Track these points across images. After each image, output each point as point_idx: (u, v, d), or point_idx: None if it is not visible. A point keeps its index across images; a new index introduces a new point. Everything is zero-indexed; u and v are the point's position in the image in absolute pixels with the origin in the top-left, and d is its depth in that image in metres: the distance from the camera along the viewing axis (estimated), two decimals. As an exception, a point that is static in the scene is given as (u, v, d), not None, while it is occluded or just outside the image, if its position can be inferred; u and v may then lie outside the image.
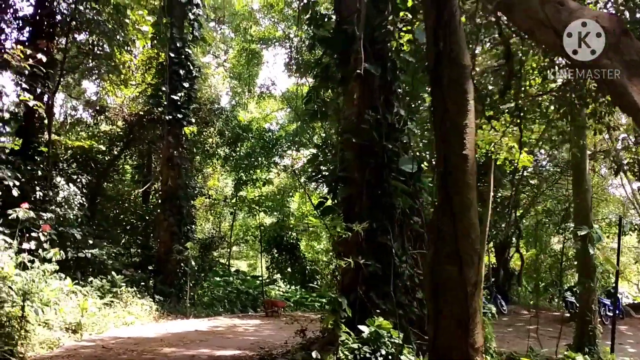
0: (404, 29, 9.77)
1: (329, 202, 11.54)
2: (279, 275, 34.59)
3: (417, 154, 11.21)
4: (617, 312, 18.08)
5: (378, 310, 9.65)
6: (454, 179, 5.33)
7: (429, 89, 7.84)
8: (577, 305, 18.57)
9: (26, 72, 16.88)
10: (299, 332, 11.16)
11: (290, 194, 33.77)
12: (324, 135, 20.73)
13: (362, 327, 8.57)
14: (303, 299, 29.22)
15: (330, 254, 43.67)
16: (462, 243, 5.26)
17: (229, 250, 33.14)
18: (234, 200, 26.85)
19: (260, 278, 35.58)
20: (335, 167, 11.01)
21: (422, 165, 11.32)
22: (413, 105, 11.25)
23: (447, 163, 5.37)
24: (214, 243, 24.61)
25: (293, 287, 33.17)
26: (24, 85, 15.39)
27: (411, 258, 10.58)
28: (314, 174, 11.71)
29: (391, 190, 10.26)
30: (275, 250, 34.12)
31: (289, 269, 37.49)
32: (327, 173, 11.38)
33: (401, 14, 9.74)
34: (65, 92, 24.75)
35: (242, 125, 26.50)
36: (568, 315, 18.72)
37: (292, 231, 36.23)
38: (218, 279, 26.44)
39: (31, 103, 14.02)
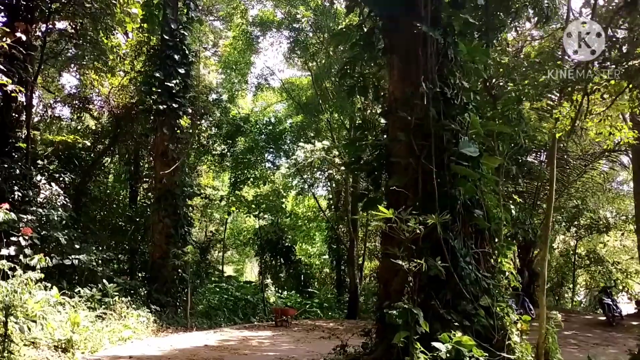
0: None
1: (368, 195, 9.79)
2: (269, 280, 32.76)
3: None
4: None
5: (438, 322, 7.97)
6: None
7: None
8: (618, 308, 17.14)
9: (2, 54, 15.17)
10: (339, 348, 9.45)
11: (285, 194, 31.97)
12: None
13: (437, 344, 6.85)
14: (304, 304, 27.53)
15: (324, 257, 42.31)
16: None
17: (222, 254, 31.14)
18: (231, 200, 24.94)
19: (252, 283, 33.89)
20: (380, 152, 9.27)
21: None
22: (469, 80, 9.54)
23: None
24: (211, 247, 22.68)
25: (287, 292, 31.44)
26: (0, 67, 13.49)
27: (473, 258, 8.89)
28: (353, 160, 9.90)
29: (451, 177, 8.56)
30: (270, 254, 32.27)
31: (283, 274, 35.77)
32: (367, 159, 9.63)
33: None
34: (44, 86, 22.67)
35: (242, 117, 24.61)
36: (605, 318, 17.22)
37: (288, 234, 34.48)
38: (211, 285, 24.59)
39: (9, 87, 12.21)
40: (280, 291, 31.28)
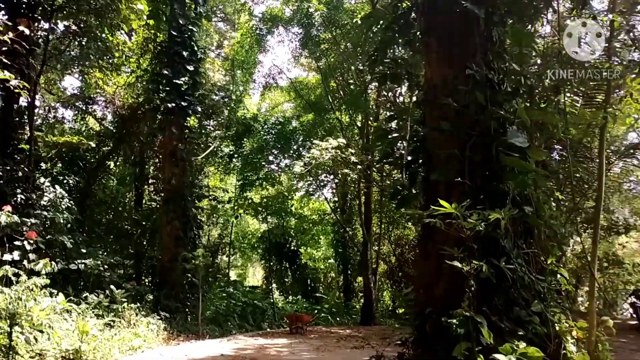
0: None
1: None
2: (274, 285, 31.95)
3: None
4: None
5: (490, 331, 7.18)
6: None
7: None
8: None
9: (5, 48, 14.46)
10: (375, 357, 8.67)
11: (290, 196, 31.20)
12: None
13: (499, 357, 6.05)
14: (313, 310, 26.71)
15: (330, 261, 41.48)
16: None
17: (227, 258, 30.30)
18: (238, 203, 24.12)
19: (258, 288, 33.04)
20: (418, 144, 8.48)
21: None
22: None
23: None
24: (219, 250, 21.88)
25: (293, 297, 30.65)
26: (3, 61, 12.76)
27: (523, 259, 8.10)
28: (387, 152, 9.10)
29: (500, 171, 7.79)
30: (275, 258, 31.46)
31: (289, 278, 34.96)
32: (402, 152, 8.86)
33: None
34: (47, 89, 21.89)
35: (251, 117, 23.82)
36: (637, 322, 16.45)
37: (294, 237, 33.69)
38: (218, 291, 23.72)
39: (13, 82, 11.60)
40: (286, 296, 30.46)
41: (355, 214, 35.03)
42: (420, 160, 8.67)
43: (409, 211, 9.59)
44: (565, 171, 17.64)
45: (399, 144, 9.18)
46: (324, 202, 39.53)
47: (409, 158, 8.65)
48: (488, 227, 6.55)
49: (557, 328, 7.85)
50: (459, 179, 7.87)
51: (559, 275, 8.47)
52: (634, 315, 17.59)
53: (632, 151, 19.01)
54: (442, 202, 6.36)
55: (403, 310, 30.94)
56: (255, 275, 49.97)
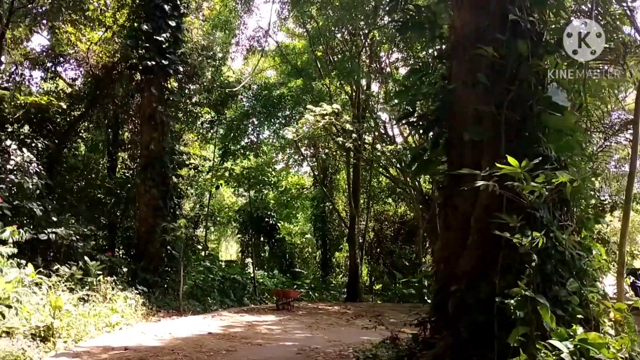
0: None
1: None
2: (250, 260, 30.93)
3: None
4: None
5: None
6: None
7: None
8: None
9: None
10: (390, 340, 7.78)
11: (272, 169, 30.10)
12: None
13: (556, 343, 5.18)
14: (293, 285, 25.87)
15: (307, 236, 40.63)
16: None
17: (205, 231, 29.12)
18: (219, 173, 22.91)
19: (234, 262, 32.00)
20: (444, 101, 7.49)
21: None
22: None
23: None
24: (199, 222, 20.73)
25: (269, 272, 29.70)
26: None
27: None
28: (407, 110, 8.07)
29: (541, 131, 6.90)
30: (253, 232, 30.38)
31: (266, 253, 34.02)
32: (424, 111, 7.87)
33: None
34: (12, 47, 20.18)
35: (235, 81, 22.46)
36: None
37: (273, 211, 32.67)
38: (194, 264, 22.62)
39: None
40: (264, 271, 29.50)
41: (336, 189, 34.18)
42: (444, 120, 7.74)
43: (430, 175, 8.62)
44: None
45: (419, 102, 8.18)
46: (302, 176, 38.60)
47: (434, 116, 7.67)
48: (552, 193, 5.64)
49: (596, 309, 7.10)
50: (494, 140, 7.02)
51: (594, 251, 7.67)
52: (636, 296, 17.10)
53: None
54: (510, 159, 5.37)
55: (380, 286, 30.57)
56: (228, 250, 48.91)
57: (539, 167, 6.71)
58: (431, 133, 7.79)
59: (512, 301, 5.17)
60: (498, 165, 5.44)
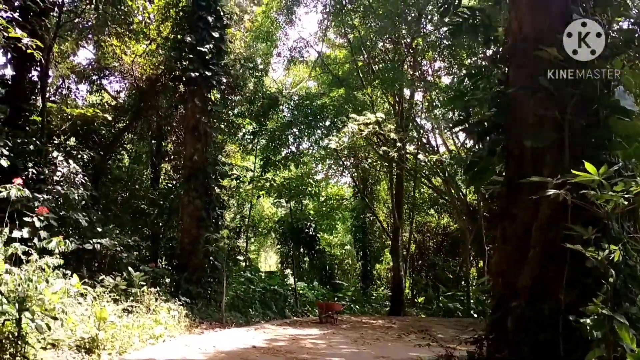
0: None
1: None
2: (289, 271, 30.74)
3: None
4: None
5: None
6: None
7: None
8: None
9: (17, 3, 13.26)
10: (445, 358, 7.41)
11: (312, 179, 29.89)
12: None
13: (635, 367, 4.76)
14: (334, 298, 25.53)
15: (347, 247, 40.26)
16: None
17: (246, 242, 29.08)
18: (260, 183, 22.85)
19: (275, 274, 31.81)
20: (502, 106, 7.12)
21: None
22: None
23: None
24: (241, 233, 20.66)
25: (310, 284, 29.42)
26: (12, 15, 11.51)
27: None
28: (462, 117, 7.74)
29: (607, 137, 6.47)
30: (293, 243, 30.22)
31: (306, 264, 33.80)
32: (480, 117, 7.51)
33: None
34: (59, 60, 20.61)
35: (276, 91, 22.41)
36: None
37: (312, 222, 32.44)
38: (235, 275, 22.52)
39: (25, 40, 10.43)
40: (305, 283, 29.27)
41: (376, 200, 33.77)
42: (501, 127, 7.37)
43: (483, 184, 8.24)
44: None
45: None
46: (342, 187, 38.31)
47: (492, 122, 7.31)
48: (630, 202, 5.22)
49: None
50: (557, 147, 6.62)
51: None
52: None
53: None
54: (587, 166, 4.99)
55: (422, 299, 29.93)
56: (267, 261, 48.91)
57: (614, 175, 6.32)
58: (487, 139, 7.41)
59: (588, 320, 4.75)
60: (574, 172, 5.03)
